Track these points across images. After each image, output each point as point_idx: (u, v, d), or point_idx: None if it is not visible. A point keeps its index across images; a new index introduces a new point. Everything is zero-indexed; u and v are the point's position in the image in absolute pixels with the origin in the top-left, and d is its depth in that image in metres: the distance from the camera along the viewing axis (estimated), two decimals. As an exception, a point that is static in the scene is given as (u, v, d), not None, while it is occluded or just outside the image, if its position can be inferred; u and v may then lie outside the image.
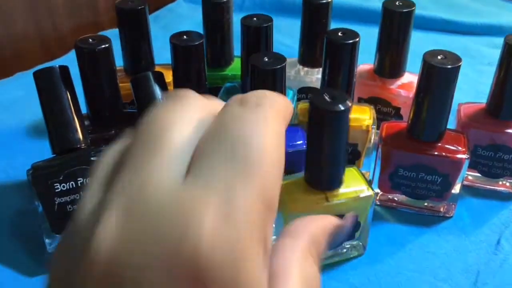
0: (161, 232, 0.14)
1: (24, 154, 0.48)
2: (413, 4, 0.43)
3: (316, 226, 0.23)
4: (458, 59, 0.36)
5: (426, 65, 0.36)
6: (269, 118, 0.16)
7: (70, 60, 0.62)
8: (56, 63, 0.62)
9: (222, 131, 0.16)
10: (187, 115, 0.16)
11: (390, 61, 0.45)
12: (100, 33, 0.67)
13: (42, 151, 0.39)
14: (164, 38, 0.48)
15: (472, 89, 0.54)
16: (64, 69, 0.38)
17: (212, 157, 0.15)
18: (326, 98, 0.32)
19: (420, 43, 0.48)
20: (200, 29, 0.46)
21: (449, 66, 0.35)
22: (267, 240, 0.15)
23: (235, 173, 0.14)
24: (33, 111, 0.53)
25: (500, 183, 0.43)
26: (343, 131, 0.32)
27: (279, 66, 0.36)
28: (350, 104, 0.31)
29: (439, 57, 0.36)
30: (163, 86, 0.39)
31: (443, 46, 0.37)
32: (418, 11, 0.67)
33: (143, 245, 0.14)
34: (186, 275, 0.13)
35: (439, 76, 0.36)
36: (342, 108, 0.31)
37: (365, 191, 0.35)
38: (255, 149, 0.15)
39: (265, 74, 0.36)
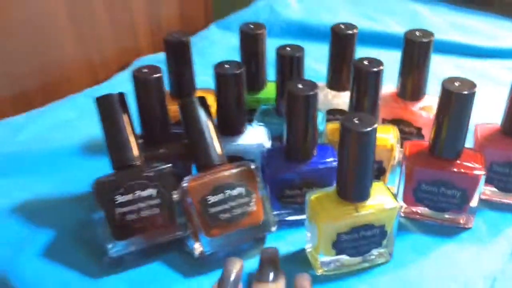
0: None
1: (78, 171, 0.53)
2: (432, 35, 0.47)
3: None
4: (473, 85, 0.40)
5: (445, 91, 0.40)
6: None
7: (114, 83, 0.68)
8: (102, 86, 0.68)
9: None
10: None
11: (412, 85, 0.49)
12: (141, 57, 0.73)
13: (95, 167, 0.44)
14: (199, 62, 0.53)
15: (489, 110, 0.58)
16: (121, 96, 0.43)
17: None
18: (355, 120, 0.36)
19: (439, 66, 0.52)
20: (231, 52, 0.50)
21: (466, 92, 0.40)
22: None
23: None
24: (85, 132, 0.59)
25: (516, 197, 0.47)
26: (370, 149, 0.37)
27: (312, 93, 0.40)
28: (375, 126, 0.36)
29: (456, 84, 0.40)
30: (206, 109, 0.44)
31: (461, 69, 0.41)
32: (438, 35, 0.71)
33: None
34: None
35: (457, 101, 0.40)
36: (369, 129, 0.36)
37: (391, 203, 0.40)
38: None
39: (300, 100, 0.40)
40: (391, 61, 0.50)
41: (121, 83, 0.64)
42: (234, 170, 0.42)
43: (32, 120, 0.61)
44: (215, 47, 0.74)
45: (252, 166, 0.43)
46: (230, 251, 0.43)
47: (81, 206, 0.48)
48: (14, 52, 0.63)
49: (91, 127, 0.59)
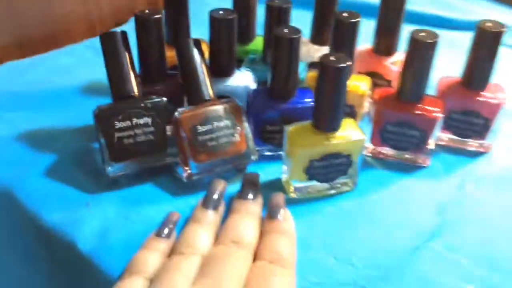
0: None
1: (78, 109, 0.58)
2: (404, -2, 0.53)
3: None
4: (436, 35, 0.46)
5: (411, 40, 0.46)
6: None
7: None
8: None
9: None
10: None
11: (385, 42, 0.55)
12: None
13: (93, 105, 0.47)
14: (193, 20, 0.57)
15: (455, 73, 0.64)
16: (124, 34, 0.48)
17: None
18: (332, 58, 0.42)
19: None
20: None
21: (429, 41, 0.45)
22: None
23: None
24: (83, 76, 0.64)
25: (470, 143, 0.53)
26: (342, 84, 0.42)
27: (295, 36, 0.46)
28: (349, 63, 0.41)
29: (421, 34, 0.46)
30: (200, 50, 0.49)
31: None
32: (415, 7, 0.77)
33: None
34: None
35: (421, 48, 0.46)
36: (343, 65, 0.41)
37: (358, 135, 0.45)
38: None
39: (284, 42, 0.46)
40: (370, 28, 0.55)
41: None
42: (222, 105, 0.48)
43: (35, 64, 0.66)
44: (208, 8, 0.78)
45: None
46: (215, 177, 0.48)
47: (81, 137, 0.53)
48: (20, 3, 0.68)
49: (89, 73, 0.64)
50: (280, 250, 0.36)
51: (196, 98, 0.48)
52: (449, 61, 0.66)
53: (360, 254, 0.42)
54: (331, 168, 0.46)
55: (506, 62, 0.68)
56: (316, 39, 0.57)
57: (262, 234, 0.38)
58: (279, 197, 0.42)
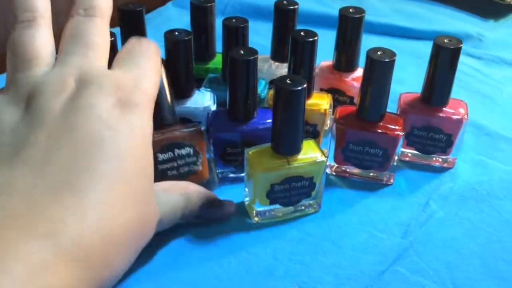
0: None
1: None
2: (363, 11, 0.52)
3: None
4: (393, 54, 0.45)
5: (368, 59, 0.45)
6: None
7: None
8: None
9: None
10: None
11: (345, 58, 0.54)
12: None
13: None
14: (155, 36, 0.56)
15: (419, 85, 0.63)
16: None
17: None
18: (287, 81, 0.41)
19: (375, 45, 0.58)
20: (186, 28, 0.54)
21: (387, 60, 0.45)
22: None
23: None
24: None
25: (434, 159, 0.53)
26: (300, 107, 0.41)
27: (252, 58, 0.45)
28: (305, 85, 0.41)
29: (378, 53, 0.45)
30: (164, 71, 0.45)
31: (396, 48, 0.46)
32: (380, 18, 0.77)
33: None
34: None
35: (378, 68, 0.45)
36: (299, 88, 0.40)
37: (319, 157, 0.44)
38: None
39: (241, 64, 0.45)
40: (332, 40, 0.55)
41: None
42: (184, 131, 0.46)
43: None
44: (170, 23, 0.77)
45: (202, 128, 0.46)
46: None
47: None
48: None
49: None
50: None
51: (157, 123, 0.46)
52: (414, 72, 0.66)
53: (325, 281, 0.41)
54: (293, 191, 0.45)
55: (469, 74, 0.68)
56: (276, 56, 0.56)
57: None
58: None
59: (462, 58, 0.70)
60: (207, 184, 0.47)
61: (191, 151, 0.46)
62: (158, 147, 0.45)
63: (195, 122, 0.47)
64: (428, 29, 0.76)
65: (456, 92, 0.50)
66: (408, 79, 0.65)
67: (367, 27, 0.75)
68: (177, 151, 0.45)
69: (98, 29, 0.36)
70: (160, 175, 0.45)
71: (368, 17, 0.76)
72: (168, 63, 0.49)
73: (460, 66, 0.68)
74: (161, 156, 0.45)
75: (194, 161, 0.46)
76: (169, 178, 0.45)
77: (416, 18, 0.80)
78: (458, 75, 0.66)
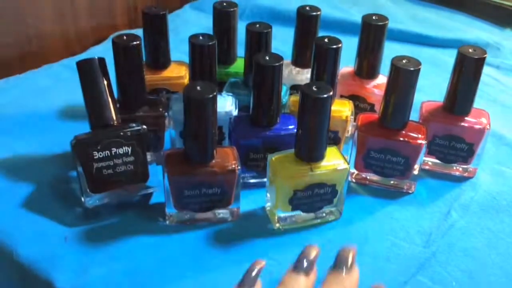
0: None
1: (56, 133, 0.56)
2: (387, 19, 0.52)
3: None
4: (419, 63, 0.45)
5: (393, 68, 0.45)
6: None
7: (89, 54, 0.71)
8: (76, 58, 0.71)
9: None
10: None
11: (367, 65, 0.54)
12: (117, 33, 0.76)
13: (70, 130, 0.46)
14: (173, 39, 0.56)
15: (437, 92, 0.63)
16: (102, 61, 0.46)
17: None
18: (314, 88, 0.41)
19: (395, 52, 0.58)
20: (203, 31, 0.54)
21: (411, 69, 0.45)
22: None
23: None
24: (60, 98, 0.62)
25: (454, 168, 0.53)
26: (325, 114, 0.41)
27: (277, 64, 0.45)
28: (331, 93, 0.41)
29: (404, 61, 0.45)
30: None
31: (416, 55, 0.46)
32: (397, 25, 0.77)
33: None
34: None
35: (403, 76, 0.45)
36: (325, 95, 0.40)
37: (342, 165, 0.44)
38: None
39: (266, 70, 0.45)
40: (351, 46, 0.55)
41: (96, 55, 0.67)
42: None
43: (10, 86, 0.64)
44: (188, 25, 0.77)
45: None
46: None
47: (57, 164, 0.52)
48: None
49: (66, 94, 0.63)
50: None
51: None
52: (432, 79, 0.66)
53: None
54: (316, 198, 0.45)
55: (487, 83, 0.68)
56: (298, 61, 0.56)
57: (322, 284, 0.36)
58: (351, 250, 0.38)
59: (480, 67, 0.70)
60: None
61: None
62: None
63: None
64: (445, 37, 0.76)
65: (475, 101, 0.50)
66: (426, 87, 0.65)
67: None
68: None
69: None
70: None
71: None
72: (192, 66, 0.50)
73: (478, 75, 0.69)
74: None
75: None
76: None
77: (432, 25, 0.80)
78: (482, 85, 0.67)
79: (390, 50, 0.53)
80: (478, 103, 0.53)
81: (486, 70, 0.69)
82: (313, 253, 0.38)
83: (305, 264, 0.37)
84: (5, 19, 0.67)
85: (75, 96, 0.60)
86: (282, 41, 0.67)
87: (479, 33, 0.77)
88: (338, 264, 0.37)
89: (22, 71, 0.67)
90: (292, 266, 0.37)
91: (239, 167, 0.44)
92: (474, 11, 0.84)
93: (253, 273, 0.37)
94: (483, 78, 0.68)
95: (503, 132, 0.58)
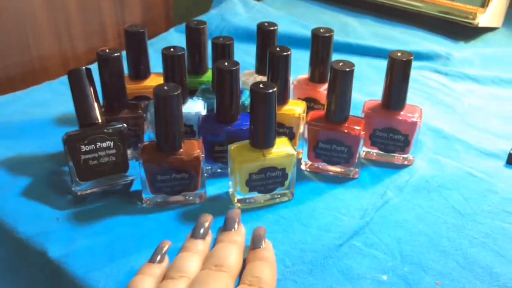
0: None
1: (52, 137, 0.65)
2: (332, 30, 0.61)
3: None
4: (352, 65, 0.54)
5: (332, 69, 0.54)
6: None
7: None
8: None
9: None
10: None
11: (318, 71, 0.63)
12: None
13: (63, 134, 0.54)
14: (158, 58, 0.65)
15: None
16: (88, 70, 0.55)
17: None
18: (260, 85, 0.50)
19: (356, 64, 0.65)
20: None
21: (347, 69, 0.53)
22: None
23: None
24: (58, 109, 0.71)
25: (396, 157, 0.61)
26: (271, 106, 0.50)
27: (234, 68, 0.54)
28: (275, 89, 0.49)
29: (340, 64, 0.54)
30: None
31: (372, 67, 0.54)
32: (360, 40, 0.86)
33: None
34: None
35: (341, 76, 0.54)
36: (270, 91, 0.49)
37: (290, 151, 0.53)
38: None
39: (225, 73, 0.53)
40: (308, 58, 0.63)
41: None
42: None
43: (17, 99, 0.73)
44: (171, 41, 0.86)
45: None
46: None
47: (54, 161, 0.60)
48: (2, 45, 0.76)
49: (63, 106, 0.71)
50: (261, 274, 0.41)
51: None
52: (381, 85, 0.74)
53: (292, 253, 0.49)
54: (269, 180, 0.53)
55: (435, 88, 0.77)
56: (260, 70, 0.65)
57: (246, 262, 0.43)
58: (261, 230, 0.47)
59: (430, 74, 0.80)
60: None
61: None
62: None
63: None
64: (401, 50, 0.84)
65: (422, 103, 0.58)
66: (379, 92, 0.74)
67: (348, 48, 0.85)
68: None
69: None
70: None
71: (349, 39, 0.86)
72: (165, 75, 0.59)
73: (427, 81, 0.78)
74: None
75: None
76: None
77: (392, 40, 0.89)
78: (425, 88, 0.76)
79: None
80: (424, 104, 0.61)
81: (435, 76, 0.79)
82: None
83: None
84: (11, 42, 0.77)
85: (70, 106, 0.69)
86: (253, 56, 0.76)
87: (432, 46, 0.86)
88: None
89: (25, 88, 0.77)
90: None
91: (203, 155, 0.53)
92: (432, 28, 0.93)
93: (203, 227, 0.46)
94: (431, 83, 0.78)
95: (443, 127, 0.66)
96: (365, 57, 0.84)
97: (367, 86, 0.75)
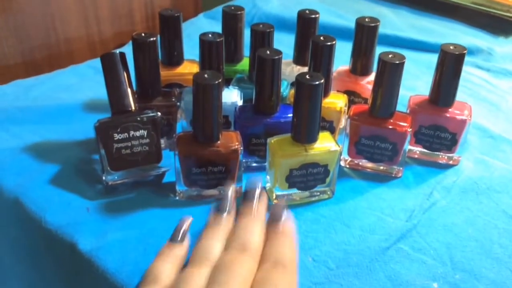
0: None
1: (81, 123, 0.62)
2: (378, 20, 0.58)
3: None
4: (403, 57, 0.51)
5: (380, 61, 0.51)
6: None
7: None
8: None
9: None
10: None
11: (361, 63, 0.60)
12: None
13: (92, 120, 0.51)
14: (187, 44, 0.63)
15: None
16: (122, 55, 0.53)
17: None
18: (307, 77, 0.47)
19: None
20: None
21: (397, 62, 0.50)
22: None
23: None
24: (84, 94, 0.69)
25: (440, 156, 0.58)
26: (317, 99, 0.47)
27: (277, 57, 0.51)
28: (322, 81, 0.46)
29: (390, 56, 0.51)
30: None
31: (411, 60, 0.51)
32: (396, 32, 0.82)
33: None
34: None
35: (390, 68, 0.50)
36: (317, 82, 0.46)
37: (334, 147, 0.50)
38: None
39: (267, 63, 0.51)
40: (349, 50, 0.60)
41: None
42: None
43: (40, 82, 0.71)
44: (201, 32, 0.83)
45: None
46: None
47: (83, 148, 0.58)
48: (28, 27, 0.73)
49: (90, 90, 0.69)
50: (282, 253, 0.38)
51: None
52: (426, 80, 0.71)
53: (335, 255, 0.46)
54: (310, 177, 0.50)
55: (477, 84, 0.73)
56: (298, 60, 0.62)
57: (266, 237, 0.40)
58: (280, 203, 0.45)
59: (472, 69, 0.76)
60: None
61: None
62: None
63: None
64: (441, 43, 0.80)
65: (465, 99, 0.55)
66: (420, 87, 0.71)
67: (385, 40, 0.82)
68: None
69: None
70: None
71: (386, 30, 0.82)
72: (202, 62, 0.56)
73: (470, 77, 0.74)
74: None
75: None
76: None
77: (429, 33, 0.85)
78: (467, 84, 0.72)
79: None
80: (468, 101, 0.58)
81: (477, 72, 0.75)
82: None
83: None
84: (37, 24, 0.75)
85: (98, 92, 0.67)
86: (287, 45, 0.73)
87: (473, 40, 0.83)
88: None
89: (50, 71, 0.75)
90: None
91: (241, 148, 0.50)
92: (471, 21, 0.90)
93: (228, 200, 0.43)
94: (474, 79, 0.74)
95: (488, 125, 0.63)
96: (403, 49, 0.81)
97: (407, 80, 0.71)
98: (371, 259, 0.45)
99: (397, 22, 0.89)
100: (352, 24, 0.59)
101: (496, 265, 0.46)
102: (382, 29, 0.84)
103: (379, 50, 0.59)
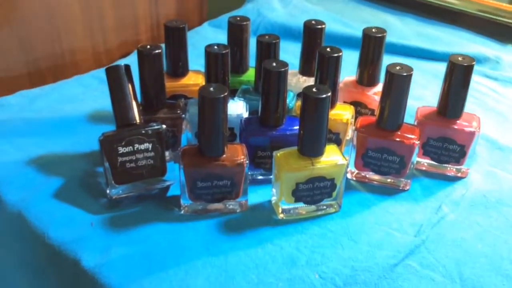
0: None
1: (85, 135, 0.62)
2: (385, 31, 0.57)
3: None
4: (411, 69, 0.50)
5: (388, 73, 0.50)
6: None
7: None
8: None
9: None
10: None
11: (367, 74, 0.59)
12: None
13: (97, 132, 0.51)
14: (192, 52, 0.62)
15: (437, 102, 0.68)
16: (127, 67, 0.52)
17: None
18: (313, 89, 0.46)
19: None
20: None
21: (404, 74, 0.50)
22: None
23: None
24: (89, 105, 0.68)
25: (448, 168, 0.57)
26: (324, 112, 0.46)
27: (283, 69, 0.50)
28: (329, 94, 0.46)
29: (397, 68, 0.50)
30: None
31: (417, 69, 0.50)
32: (403, 40, 0.81)
33: None
34: None
35: (397, 80, 0.50)
36: (324, 96, 0.45)
37: (340, 160, 0.49)
38: None
39: (273, 75, 0.50)
40: (355, 59, 0.60)
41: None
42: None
43: (45, 93, 0.70)
44: (206, 41, 0.82)
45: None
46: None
47: (87, 161, 0.58)
48: (33, 38, 0.73)
49: (95, 102, 0.69)
50: None
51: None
52: (433, 89, 0.71)
53: (343, 272, 0.45)
54: (316, 190, 0.50)
55: (485, 94, 0.72)
56: (304, 71, 0.62)
57: None
58: None
59: (479, 79, 0.75)
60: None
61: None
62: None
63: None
64: (448, 51, 0.80)
65: (473, 109, 0.55)
66: (427, 97, 0.70)
67: (391, 48, 0.81)
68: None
69: None
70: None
71: (392, 38, 0.81)
72: (208, 73, 0.55)
73: (477, 86, 0.73)
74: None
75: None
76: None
77: (436, 41, 0.85)
78: (475, 93, 0.71)
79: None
80: (476, 111, 0.57)
81: (485, 81, 0.74)
82: None
83: None
84: (42, 35, 0.74)
85: (102, 102, 0.67)
86: (293, 54, 0.72)
87: (480, 48, 0.82)
88: None
89: (55, 81, 0.74)
90: None
91: (247, 162, 0.49)
92: (478, 29, 0.89)
93: None
94: (481, 88, 0.73)
95: (497, 137, 0.62)
96: (410, 58, 0.80)
97: (413, 89, 0.70)
98: (379, 277, 0.45)
99: (403, 30, 0.88)
100: (358, 33, 0.58)
101: (507, 282, 0.45)
102: (388, 38, 0.83)
103: (385, 58, 0.59)
